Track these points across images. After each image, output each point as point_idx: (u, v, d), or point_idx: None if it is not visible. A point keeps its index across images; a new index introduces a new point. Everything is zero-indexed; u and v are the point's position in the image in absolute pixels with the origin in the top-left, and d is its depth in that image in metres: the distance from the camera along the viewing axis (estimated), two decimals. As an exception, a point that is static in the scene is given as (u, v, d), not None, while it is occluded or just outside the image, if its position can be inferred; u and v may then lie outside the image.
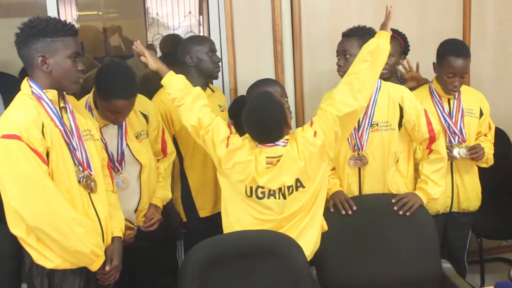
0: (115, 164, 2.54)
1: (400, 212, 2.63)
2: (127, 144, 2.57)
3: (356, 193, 2.74)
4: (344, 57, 2.63)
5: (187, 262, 2.23)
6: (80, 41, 2.17)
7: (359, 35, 2.63)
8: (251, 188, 2.35)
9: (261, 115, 2.32)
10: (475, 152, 2.90)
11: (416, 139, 2.71)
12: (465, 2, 3.71)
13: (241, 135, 2.44)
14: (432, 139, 2.65)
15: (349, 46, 2.62)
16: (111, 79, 2.41)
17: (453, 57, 2.83)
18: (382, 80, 2.71)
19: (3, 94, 3.11)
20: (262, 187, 2.34)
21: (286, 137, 2.37)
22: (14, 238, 2.06)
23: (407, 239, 2.62)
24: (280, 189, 2.34)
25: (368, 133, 2.66)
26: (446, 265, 2.66)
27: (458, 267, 2.87)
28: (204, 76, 2.96)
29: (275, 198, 2.35)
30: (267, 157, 2.33)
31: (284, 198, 2.35)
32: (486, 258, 3.59)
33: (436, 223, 2.71)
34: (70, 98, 2.21)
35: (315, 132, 2.32)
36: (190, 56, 2.91)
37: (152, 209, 2.70)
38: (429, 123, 2.64)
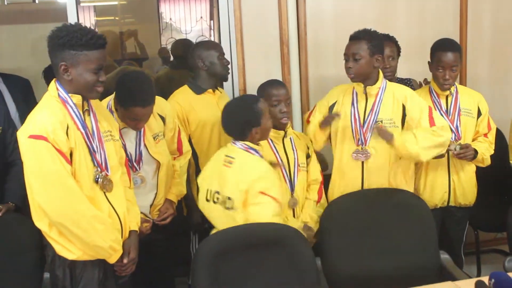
0: (133, 163, 2.55)
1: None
2: (144, 145, 2.58)
3: (359, 187, 2.73)
4: (354, 59, 2.59)
5: (199, 253, 2.24)
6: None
7: (367, 38, 2.60)
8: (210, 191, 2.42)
9: (225, 108, 2.46)
10: (462, 153, 2.86)
11: None
12: (462, 6, 3.68)
13: None
14: None
15: (358, 49, 2.58)
16: (129, 88, 2.42)
17: (440, 51, 2.83)
18: (387, 81, 2.71)
19: (12, 94, 3.15)
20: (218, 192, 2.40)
21: (255, 146, 2.38)
22: (37, 231, 2.08)
23: (408, 232, 2.61)
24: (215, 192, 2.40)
25: (373, 129, 2.64)
26: (444, 256, 2.64)
27: (456, 258, 2.85)
28: (216, 78, 3.00)
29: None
30: (225, 156, 2.39)
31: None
32: (482, 250, 3.57)
33: (434, 216, 2.69)
34: (93, 101, 2.19)
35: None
36: (202, 60, 2.93)
37: (166, 204, 2.71)
38: (431, 118, 2.62)
